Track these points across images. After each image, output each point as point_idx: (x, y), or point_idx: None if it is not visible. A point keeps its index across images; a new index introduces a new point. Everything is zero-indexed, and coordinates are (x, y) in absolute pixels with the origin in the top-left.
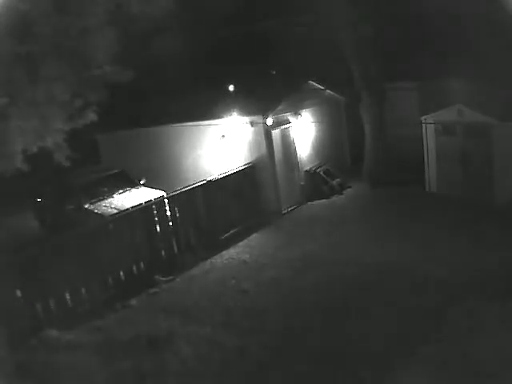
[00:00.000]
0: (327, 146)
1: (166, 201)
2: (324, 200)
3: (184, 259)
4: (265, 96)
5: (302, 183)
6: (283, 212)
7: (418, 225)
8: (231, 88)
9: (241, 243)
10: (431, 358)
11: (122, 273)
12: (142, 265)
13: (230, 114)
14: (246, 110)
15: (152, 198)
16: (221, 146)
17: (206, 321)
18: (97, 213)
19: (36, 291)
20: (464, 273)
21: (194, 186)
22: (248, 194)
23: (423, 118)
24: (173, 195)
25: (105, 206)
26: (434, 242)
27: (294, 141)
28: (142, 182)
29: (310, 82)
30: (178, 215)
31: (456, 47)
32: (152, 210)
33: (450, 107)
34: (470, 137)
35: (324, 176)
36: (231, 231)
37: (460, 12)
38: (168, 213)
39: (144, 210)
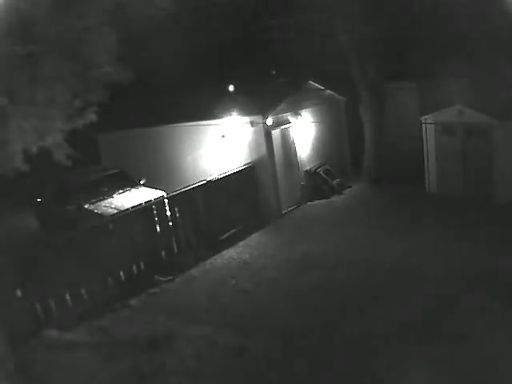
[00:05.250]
0: (327, 146)
1: (166, 201)
2: (324, 200)
3: (184, 259)
4: (265, 96)
5: (302, 183)
6: (283, 212)
7: (417, 225)
8: (231, 88)
9: (241, 243)
10: (431, 358)
11: (121, 273)
12: (141, 265)
13: (230, 114)
14: (246, 110)
15: (152, 197)
16: (221, 145)
17: (205, 321)
18: (97, 213)
19: (36, 291)
20: (464, 273)
21: (194, 186)
22: (248, 194)
23: (423, 117)
24: (173, 195)
25: (105, 206)
26: (434, 242)
27: (294, 141)
28: (142, 182)
29: (310, 81)
30: (177, 215)
31: (456, 47)
32: (152, 209)
33: (450, 107)
34: (470, 137)
35: (324, 176)
36: (231, 231)
37: (460, 12)
38: (168, 213)
39: (144, 210)
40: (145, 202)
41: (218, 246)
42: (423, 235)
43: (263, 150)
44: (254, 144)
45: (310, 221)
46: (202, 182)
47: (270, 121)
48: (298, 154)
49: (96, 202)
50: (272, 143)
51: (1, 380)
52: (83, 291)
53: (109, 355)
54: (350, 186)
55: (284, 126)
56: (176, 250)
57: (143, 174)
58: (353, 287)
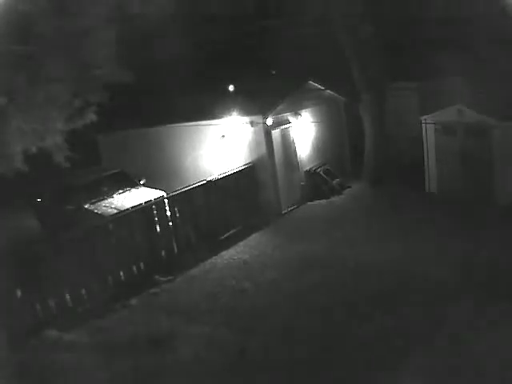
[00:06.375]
0: (327, 146)
1: (166, 201)
2: (324, 200)
3: (184, 259)
4: (265, 96)
5: (302, 183)
6: (283, 212)
7: (417, 225)
8: (231, 88)
9: (241, 243)
10: (431, 357)
11: (121, 273)
12: (141, 265)
13: (230, 114)
14: (246, 110)
15: (152, 198)
16: (221, 145)
17: (206, 321)
18: (97, 213)
19: (36, 291)
20: (464, 273)
21: (194, 185)
22: (248, 194)
23: (423, 118)
24: (173, 195)
25: (105, 206)
26: (434, 242)
27: (294, 141)
28: (142, 182)
29: (310, 82)
30: (177, 215)
31: (456, 47)
32: (152, 210)
33: (450, 107)
34: (470, 137)
35: (324, 176)
36: (231, 231)
37: (460, 12)
38: (168, 213)
39: (144, 209)
40: (145, 202)
41: (217, 246)
42: (423, 235)
43: (263, 149)
44: (254, 144)
45: (310, 221)
46: (202, 182)
47: (269, 121)
48: (298, 154)
49: (96, 202)
50: (272, 143)
51: (1, 380)
52: (83, 291)
53: (109, 355)
54: (349, 186)
55: (284, 126)
56: (176, 250)
57: (143, 174)
58: (353, 287)
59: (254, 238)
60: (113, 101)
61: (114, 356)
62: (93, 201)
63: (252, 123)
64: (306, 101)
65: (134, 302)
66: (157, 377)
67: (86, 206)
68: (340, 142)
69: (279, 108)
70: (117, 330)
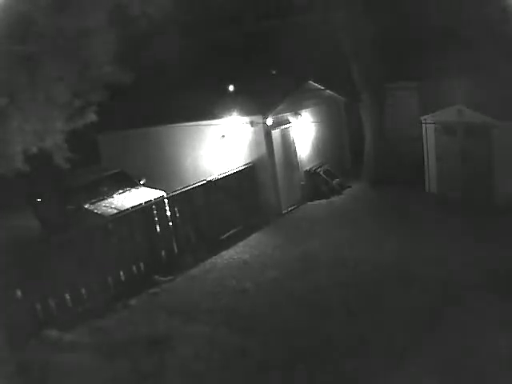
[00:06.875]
0: (327, 146)
1: (166, 201)
2: (324, 200)
3: (184, 259)
4: (265, 96)
5: (302, 183)
6: (283, 212)
7: (417, 225)
8: (231, 88)
9: (241, 243)
10: (431, 357)
11: (122, 273)
12: (141, 265)
13: (230, 114)
14: (246, 110)
15: (152, 198)
16: (221, 145)
17: (206, 321)
18: (97, 213)
19: (36, 291)
20: (464, 273)
21: (194, 185)
22: (248, 194)
23: (423, 117)
24: (173, 195)
25: (105, 206)
26: (434, 242)
27: (294, 141)
28: (141, 182)
29: (310, 81)
30: (177, 215)
31: (456, 47)
32: (152, 210)
33: (449, 107)
34: (469, 137)
35: (324, 176)
36: (231, 231)
37: (460, 12)
38: (168, 213)
39: (144, 210)
40: (145, 202)
41: (218, 246)
42: (423, 235)
43: (263, 149)
44: (254, 144)
45: (310, 221)
46: (202, 182)
47: (270, 121)
48: (298, 154)
49: (96, 202)
50: (272, 143)
51: (1, 380)
52: (83, 291)
53: (109, 355)
54: (349, 186)
55: (284, 126)
56: (176, 250)
57: (143, 174)
58: (353, 287)
59: (254, 238)
60: (113, 101)
61: (114, 356)
62: (93, 201)
63: (252, 123)
64: (305, 101)
65: (133, 302)
66: (157, 377)
67: (86, 206)
68: (340, 141)
69: (279, 108)
70: (117, 330)
